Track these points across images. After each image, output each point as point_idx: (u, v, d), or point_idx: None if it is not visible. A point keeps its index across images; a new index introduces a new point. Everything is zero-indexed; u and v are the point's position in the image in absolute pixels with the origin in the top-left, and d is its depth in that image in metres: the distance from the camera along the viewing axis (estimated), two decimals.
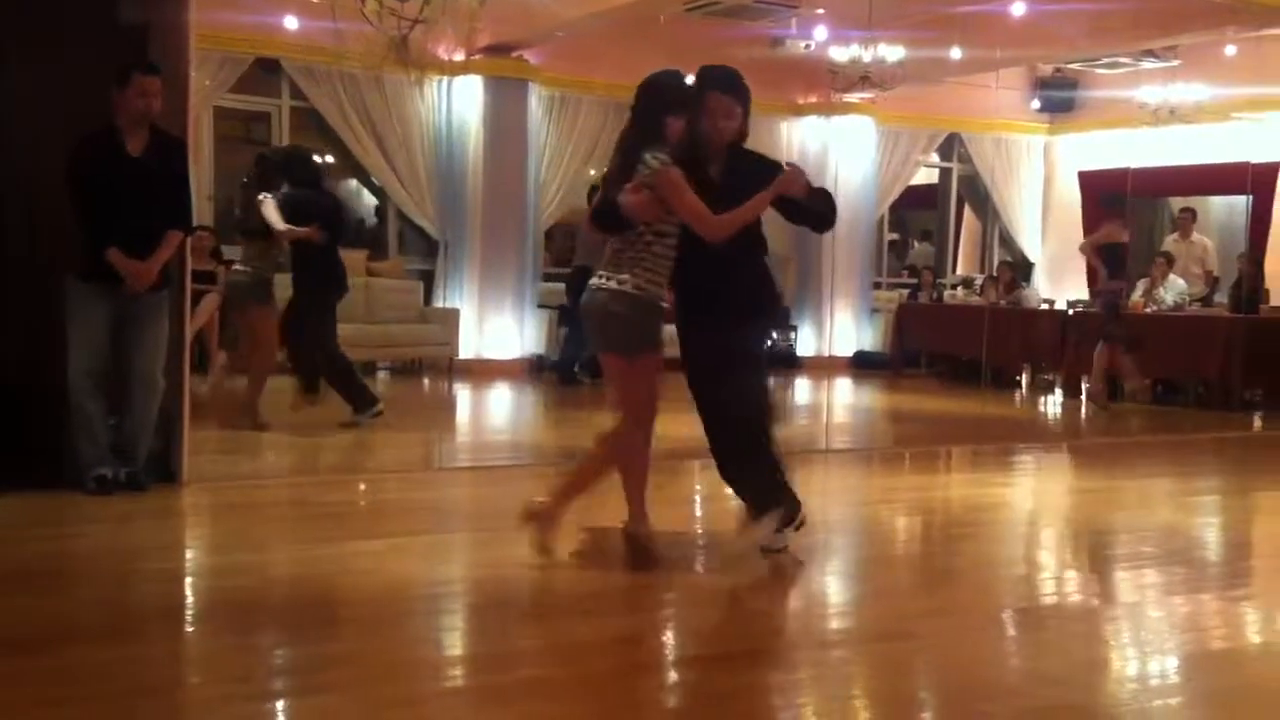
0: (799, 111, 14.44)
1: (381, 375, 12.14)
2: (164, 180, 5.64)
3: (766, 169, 4.73)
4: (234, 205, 11.65)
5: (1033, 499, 7.27)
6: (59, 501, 5.43)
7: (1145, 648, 4.11)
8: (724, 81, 4.70)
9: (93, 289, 5.54)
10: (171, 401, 5.85)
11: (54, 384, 5.56)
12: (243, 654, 3.67)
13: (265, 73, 11.88)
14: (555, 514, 4.76)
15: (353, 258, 12.46)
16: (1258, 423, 10.68)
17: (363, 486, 6.46)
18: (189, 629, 4.04)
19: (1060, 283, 15.02)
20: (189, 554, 5.08)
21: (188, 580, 4.67)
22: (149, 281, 5.59)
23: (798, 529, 4.86)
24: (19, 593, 4.19)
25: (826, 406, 11.31)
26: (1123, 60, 13.67)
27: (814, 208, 4.75)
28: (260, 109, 12.23)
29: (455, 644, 4.05)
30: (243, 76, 11.52)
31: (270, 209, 7.70)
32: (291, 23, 11.25)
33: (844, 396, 12.30)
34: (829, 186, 13.89)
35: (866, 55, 12.10)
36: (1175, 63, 13.19)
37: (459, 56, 12.32)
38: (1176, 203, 14.11)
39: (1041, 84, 15.40)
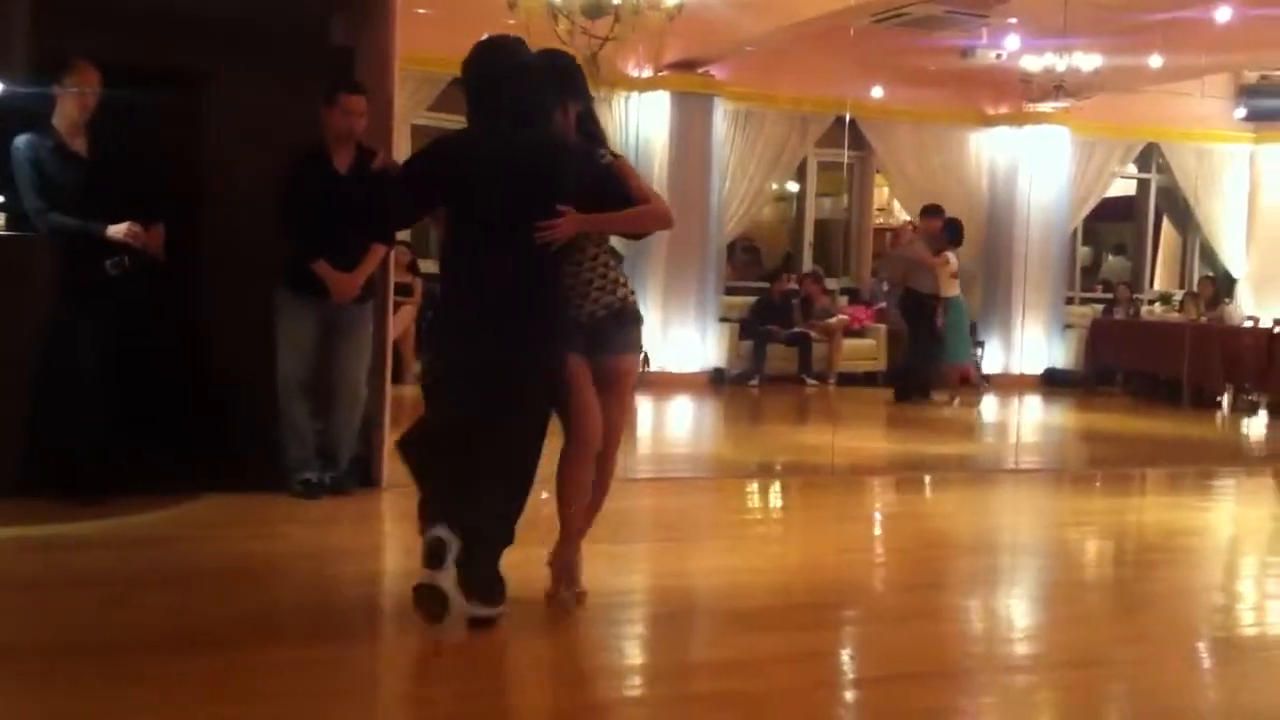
0: (989, 122, 14.15)
1: None
2: (369, 196, 5.88)
3: None
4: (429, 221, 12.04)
5: (1234, 525, 6.97)
6: (266, 502, 5.70)
7: None
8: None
9: (301, 299, 5.79)
10: (373, 409, 6.09)
11: (260, 388, 5.85)
12: (436, 657, 3.80)
13: (461, 92, 12.24)
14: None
15: None
16: None
17: (544, 495, 6.61)
18: (384, 631, 4.21)
19: (1266, 299, 14.32)
20: (388, 557, 5.28)
21: (386, 582, 4.86)
22: (353, 293, 5.83)
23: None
24: (224, 590, 4.41)
25: (1016, 424, 11.04)
26: None
27: None
28: (456, 126, 12.59)
29: (636, 653, 4.12)
30: (440, 95, 11.90)
31: None
32: None
33: (1033, 414, 11.99)
34: (1021, 199, 13.59)
35: (1061, 64, 11.80)
36: None
37: (647, 73, 12.49)
38: None
39: (1247, 92, 14.74)
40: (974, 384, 12.11)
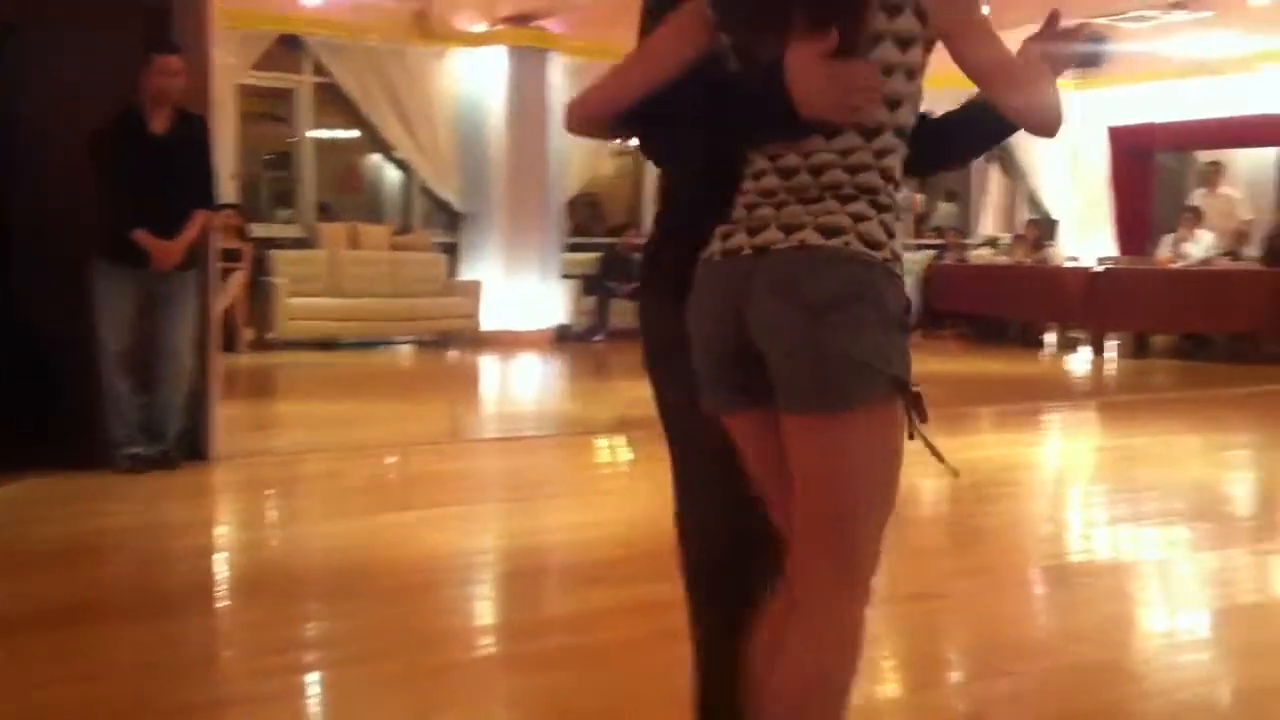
0: None
1: (407, 349, 12.19)
2: (188, 159, 5.67)
3: None
4: (258, 183, 11.68)
5: (1061, 458, 7.26)
6: (91, 480, 5.50)
7: (1174, 603, 4.12)
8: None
9: (120, 269, 5.57)
10: (200, 379, 5.90)
11: (80, 361, 5.61)
12: (276, 627, 3.70)
13: (287, 49, 11.91)
14: None
15: (377, 232, 12.54)
16: None
17: (390, 460, 6.51)
18: (222, 604, 4.09)
19: (1087, 240, 14.89)
20: (221, 529, 5.14)
21: (220, 556, 4.73)
22: (175, 261, 5.62)
23: None
24: (51, 570, 4.25)
25: None
26: (1150, 13, 13.47)
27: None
28: (283, 86, 12.26)
29: (486, 613, 4.10)
30: (265, 53, 11.54)
31: None
32: None
33: None
34: None
35: None
36: (1206, 14, 12.99)
37: (480, 27, 12.30)
38: (1204, 157, 13.96)
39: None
40: None
